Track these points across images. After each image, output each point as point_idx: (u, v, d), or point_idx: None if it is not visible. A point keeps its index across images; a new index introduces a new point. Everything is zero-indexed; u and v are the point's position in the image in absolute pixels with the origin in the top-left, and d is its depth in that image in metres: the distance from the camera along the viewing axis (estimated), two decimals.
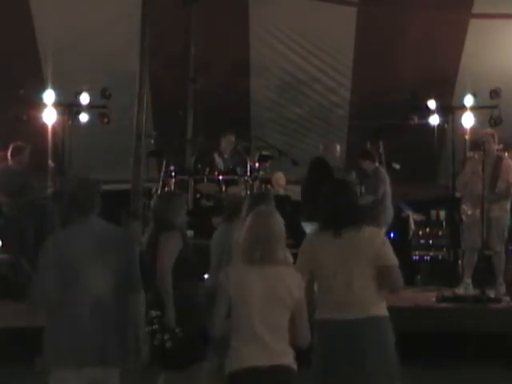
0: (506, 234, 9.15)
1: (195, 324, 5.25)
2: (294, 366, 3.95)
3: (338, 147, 10.18)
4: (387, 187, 9.88)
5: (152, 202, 6.13)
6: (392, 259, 4.49)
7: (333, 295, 4.45)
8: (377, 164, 10.16)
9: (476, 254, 9.14)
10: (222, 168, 10.70)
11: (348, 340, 4.38)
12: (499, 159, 9.14)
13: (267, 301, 3.88)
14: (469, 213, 9.22)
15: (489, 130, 9.58)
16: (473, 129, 10.61)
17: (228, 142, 10.90)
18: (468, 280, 9.14)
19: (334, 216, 4.53)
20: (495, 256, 9.06)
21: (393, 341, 4.51)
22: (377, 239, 4.53)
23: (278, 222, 4.06)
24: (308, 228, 8.86)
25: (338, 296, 4.44)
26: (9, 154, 9.76)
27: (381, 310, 4.49)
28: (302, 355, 4.10)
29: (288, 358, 3.92)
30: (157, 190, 10.64)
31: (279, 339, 3.89)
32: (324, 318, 4.45)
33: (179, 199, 6.00)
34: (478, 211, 9.02)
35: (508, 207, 9.18)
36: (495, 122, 10.60)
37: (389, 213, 9.90)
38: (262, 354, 3.85)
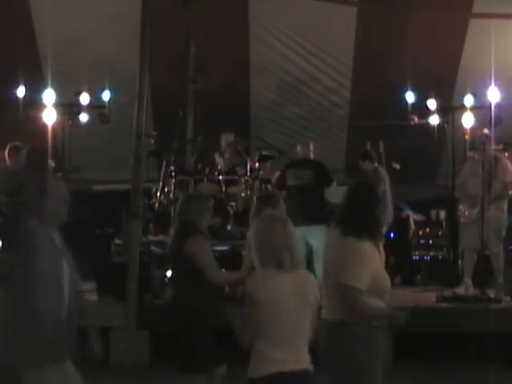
0: (503, 233, 9.15)
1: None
2: (311, 369, 4.00)
3: (312, 146, 10.15)
4: (387, 187, 9.89)
5: (178, 203, 6.05)
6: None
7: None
8: (376, 164, 10.16)
9: (475, 254, 9.15)
10: (223, 168, 10.70)
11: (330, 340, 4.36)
12: (496, 159, 9.15)
13: (299, 305, 3.92)
14: (466, 213, 9.24)
15: (485, 131, 9.60)
16: (473, 129, 10.62)
17: (226, 140, 10.90)
18: (468, 280, 9.15)
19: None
20: (494, 256, 9.07)
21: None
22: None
23: (292, 226, 4.13)
24: None
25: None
26: (6, 153, 9.77)
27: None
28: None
29: (309, 361, 3.97)
30: (157, 189, 10.64)
31: (304, 343, 3.95)
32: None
33: (206, 201, 5.94)
34: (474, 211, 9.06)
35: (505, 207, 9.19)
36: (495, 121, 10.61)
37: (389, 213, 9.91)
38: (290, 359, 3.87)
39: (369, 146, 10.81)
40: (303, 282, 4.00)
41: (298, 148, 9.93)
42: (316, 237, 8.50)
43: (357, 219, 4.31)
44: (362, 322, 4.22)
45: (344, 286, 4.13)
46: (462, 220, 9.42)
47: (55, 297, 4.15)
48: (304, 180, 9.37)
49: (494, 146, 9.45)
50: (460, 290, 9.04)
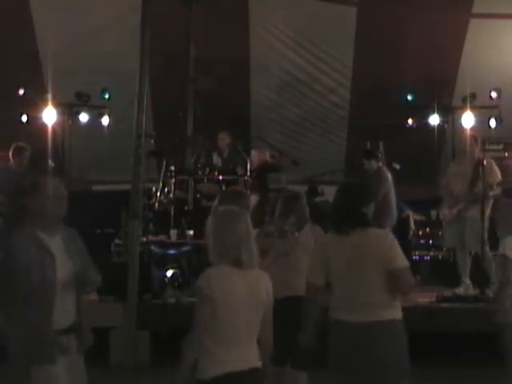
0: (485, 235, 9.07)
1: None
2: (261, 367, 3.94)
3: (268, 153, 10.17)
4: (390, 187, 9.87)
5: (216, 201, 5.98)
6: (401, 261, 4.51)
7: (344, 297, 4.53)
8: (380, 164, 10.17)
9: (467, 254, 9.15)
10: (220, 166, 10.70)
11: (358, 343, 4.45)
12: (480, 160, 9.11)
13: (251, 304, 3.83)
14: (446, 213, 9.29)
15: (471, 134, 9.63)
16: (473, 129, 10.63)
17: (221, 140, 10.90)
18: (467, 280, 9.14)
19: (342, 217, 4.60)
20: (482, 257, 8.99)
21: (403, 344, 4.64)
22: (384, 241, 4.54)
23: (250, 222, 4.00)
24: None
25: (348, 298, 4.52)
26: (10, 154, 9.79)
27: (391, 313, 4.55)
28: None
29: (258, 359, 3.89)
30: (157, 189, 10.64)
31: (254, 341, 3.88)
32: (337, 320, 4.55)
33: (245, 199, 5.85)
34: (454, 211, 9.11)
35: (487, 209, 9.10)
36: (495, 122, 10.62)
37: (392, 214, 9.90)
38: (242, 358, 3.80)
39: (369, 146, 10.81)
40: (256, 281, 3.88)
41: (253, 152, 9.92)
42: None
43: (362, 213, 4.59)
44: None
45: (406, 269, 4.47)
46: (442, 219, 9.52)
47: (41, 302, 4.18)
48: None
49: (491, 147, 9.45)
50: (460, 290, 9.03)
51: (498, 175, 9.10)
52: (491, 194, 9.00)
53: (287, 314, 4.92)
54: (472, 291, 8.96)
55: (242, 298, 3.79)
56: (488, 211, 9.02)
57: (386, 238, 4.57)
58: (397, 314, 4.59)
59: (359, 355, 4.43)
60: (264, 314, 3.90)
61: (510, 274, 6.27)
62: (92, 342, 4.46)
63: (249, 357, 3.83)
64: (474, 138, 9.27)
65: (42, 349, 4.15)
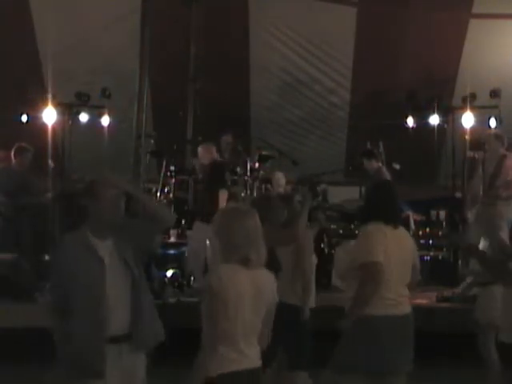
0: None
1: None
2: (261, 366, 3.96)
3: (214, 149, 10.16)
4: None
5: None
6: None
7: (390, 290, 4.86)
8: (380, 164, 10.17)
9: None
10: None
11: (402, 333, 4.89)
12: (503, 158, 9.05)
13: (255, 304, 3.81)
14: (468, 212, 9.29)
15: (493, 130, 9.56)
16: (473, 129, 10.61)
17: (225, 143, 10.90)
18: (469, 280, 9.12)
19: (395, 212, 5.08)
20: None
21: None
22: (410, 237, 5.21)
23: (259, 220, 3.98)
24: None
25: (393, 291, 4.87)
26: (12, 154, 9.79)
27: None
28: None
29: (259, 358, 3.89)
30: (157, 189, 10.64)
31: (256, 340, 3.87)
32: (380, 314, 4.82)
33: (279, 201, 5.90)
34: (474, 210, 9.12)
35: (505, 210, 9.08)
36: (495, 121, 10.61)
37: None
38: (247, 357, 3.79)
39: (369, 146, 10.81)
40: (262, 281, 3.86)
41: (199, 149, 9.88)
42: None
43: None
44: None
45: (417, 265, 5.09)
46: (468, 217, 9.51)
47: (89, 310, 4.03)
48: None
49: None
50: (460, 290, 9.01)
51: None
52: (505, 194, 8.95)
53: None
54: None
55: (249, 297, 3.78)
56: (507, 211, 9.00)
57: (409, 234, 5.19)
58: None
59: (400, 347, 4.87)
60: (265, 313, 3.89)
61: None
62: (154, 343, 4.30)
63: (253, 355, 3.83)
64: (496, 135, 9.18)
65: (89, 363, 4.03)
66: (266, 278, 3.91)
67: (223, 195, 9.05)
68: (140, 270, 4.23)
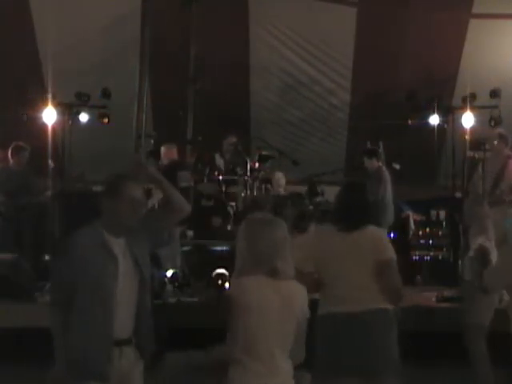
0: (508, 239, 9.03)
1: None
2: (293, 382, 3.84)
3: (175, 150, 10.21)
4: (388, 187, 9.89)
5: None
6: (389, 254, 4.71)
7: (336, 290, 4.65)
8: (380, 164, 10.17)
9: None
10: (223, 168, 10.71)
11: (351, 332, 4.57)
12: (506, 160, 8.96)
13: (283, 316, 3.68)
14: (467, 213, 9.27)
15: (497, 130, 9.50)
16: (473, 129, 10.61)
17: (228, 144, 10.91)
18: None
19: (346, 213, 4.80)
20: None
21: (393, 334, 4.72)
22: (377, 236, 4.81)
23: (286, 230, 3.87)
24: None
25: (340, 291, 4.63)
26: (9, 153, 9.80)
27: (383, 302, 4.67)
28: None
29: (291, 375, 3.78)
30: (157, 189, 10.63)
31: (286, 355, 3.74)
32: (327, 312, 4.61)
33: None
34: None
35: (509, 211, 9.06)
36: (495, 122, 10.61)
37: (390, 213, 9.92)
38: (273, 372, 3.66)
39: (369, 146, 10.81)
40: (291, 293, 3.74)
41: (162, 149, 9.91)
42: None
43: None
44: None
45: (388, 261, 4.70)
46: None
47: (97, 309, 3.93)
48: None
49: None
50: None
51: None
52: (508, 198, 8.87)
53: None
54: None
55: (275, 309, 3.65)
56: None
57: (382, 236, 4.91)
58: (384, 304, 4.72)
59: (349, 346, 4.57)
60: (297, 325, 3.76)
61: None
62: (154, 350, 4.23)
63: (281, 370, 3.70)
64: (500, 135, 9.09)
65: (94, 364, 3.92)
66: (296, 290, 3.78)
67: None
68: (149, 269, 4.17)
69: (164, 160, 9.69)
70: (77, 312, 3.95)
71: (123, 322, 4.00)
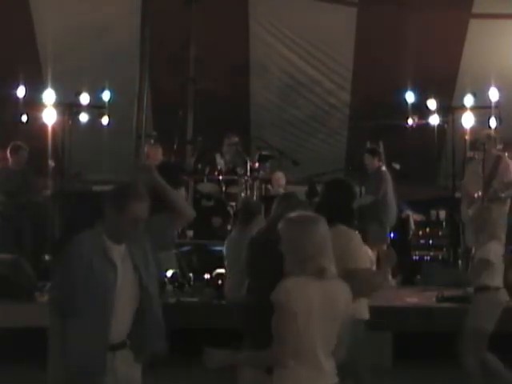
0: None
1: None
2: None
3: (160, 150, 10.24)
4: (389, 187, 9.89)
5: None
6: (357, 262, 4.50)
7: None
8: (380, 163, 10.17)
9: None
10: (223, 168, 10.71)
11: None
12: (498, 159, 9.14)
13: (327, 317, 3.58)
14: (464, 212, 9.33)
15: (487, 131, 9.62)
16: (473, 129, 10.63)
17: (230, 144, 10.91)
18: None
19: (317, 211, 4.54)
20: None
21: (359, 344, 4.52)
22: (344, 238, 4.55)
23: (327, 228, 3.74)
24: None
25: None
26: (8, 153, 9.81)
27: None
28: None
29: (335, 376, 3.70)
30: None
31: (330, 357, 3.66)
32: None
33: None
34: (471, 211, 9.15)
35: (505, 209, 9.16)
36: (495, 122, 10.62)
37: (392, 213, 9.92)
38: (318, 375, 3.58)
39: (369, 145, 10.81)
40: (337, 293, 3.65)
41: (146, 149, 9.92)
42: None
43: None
44: None
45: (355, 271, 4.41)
46: (463, 219, 9.53)
47: (95, 314, 3.91)
48: None
49: (498, 146, 9.46)
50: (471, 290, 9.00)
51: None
52: (503, 194, 9.00)
53: None
54: None
55: (322, 311, 3.57)
56: (505, 210, 9.06)
57: (351, 236, 4.65)
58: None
59: None
60: (341, 325, 3.68)
61: (486, 278, 6.33)
62: (150, 353, 4.18)
63: (328, 371, 3.63)
64: (489, 136, 9.24)
65: (87, 368, 3.92)
66: (340, 289, 3.69)
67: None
68: (154, 273, 4.16)
69: (151, 161, 9.70)
70: (74, 316, 3.95)
71: (119, 327, 3.99)
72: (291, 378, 3.56)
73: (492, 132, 9.51)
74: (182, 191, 9.88)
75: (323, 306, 3.57)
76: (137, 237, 4.04)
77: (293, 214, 3.85)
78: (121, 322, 4.00)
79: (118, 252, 4.01)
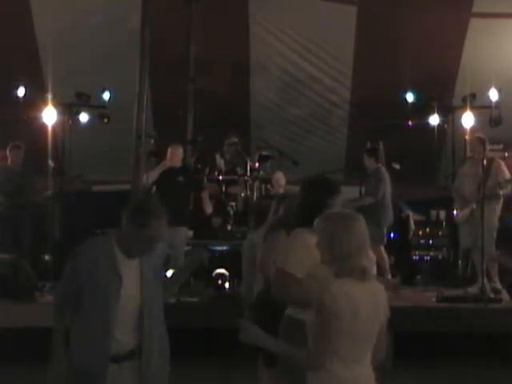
0: (494, 235, 9.14)
1: None
2: None
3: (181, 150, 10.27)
4: (387, 188, 9.90)
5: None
6: (279, 261, 4.43)
7: None
8: (379, 164, 10.18)
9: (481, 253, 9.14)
10: (223, 168, 10.72)
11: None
12: (490, 161, 9.17)
13: (370, 319, 3.52)
14: (458, 214, 9.37)
15: (477, 134, 9.67)
16: (473, 129, 10.65)
17: (230, 144, 10.92)
18: (496, 282, 9.16)
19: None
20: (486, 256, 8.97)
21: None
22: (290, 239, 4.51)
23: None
24: None
25: None
26: (7, 152, 9.84)
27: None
28: None
29: (373, 378, 3.66)
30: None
31: (369, 359, 3.60)
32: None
33: None
34: (466, 212, 9.28)
35: (497, 208, 9.21)
36: (495, 122, 10.63)
37: (389, 214, 9.94)
38: (356, 378, 3.52)
39: (369, 145, 10.82)
40: (376, 294, 3.58)
41: (169, 149, 9.98)
42: None
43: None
44: None
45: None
46: (457, 221, 9.60)
47: (96, 323, 3.93)
48: None
49: (491, 147, 9.51)
50: (473, 290, 9.01)
51: (507, 174, 9.18)
52: (501, 192, 9.06)
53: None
54: (489, 291, 8.87)
55: (364, 313, 3.50)
56: (498, 210, 9.10)
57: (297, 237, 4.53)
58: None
59: None
60: (381, 326, 3.62)
61: None
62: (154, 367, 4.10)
63: (367, 376, 3.58)
64: (479, 139, 9.28)
65: (89, 379, 3.92)
66: (379, 290, 3.63)
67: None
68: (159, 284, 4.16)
69: (174, 162, 9.75)
70: (78, 322, 3.97)
71: (125, 338, 3.99)
72: (329, 379, 3.50)
73: (481, 134, 9.52)
74: (206, 194, 9.92)
75: (367, 310, 3.50)
76: (151, 253, 4.02)
77: (331, 212, 3.83)
78: (126, 333, 3.98)
79: (127, 265, 3.99)
